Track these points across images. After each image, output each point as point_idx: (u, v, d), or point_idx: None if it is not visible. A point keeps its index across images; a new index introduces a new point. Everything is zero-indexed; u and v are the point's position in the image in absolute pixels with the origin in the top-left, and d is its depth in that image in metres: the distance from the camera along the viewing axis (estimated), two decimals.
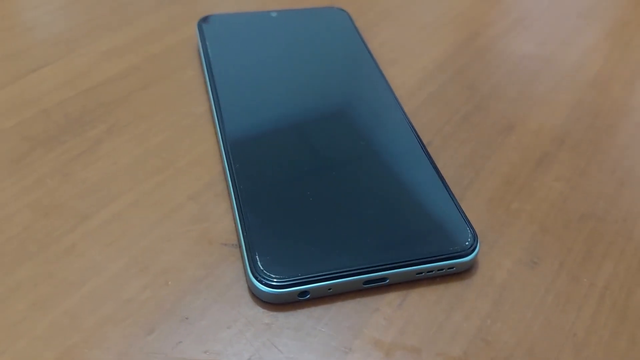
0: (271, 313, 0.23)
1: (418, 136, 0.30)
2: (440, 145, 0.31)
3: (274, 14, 0.38)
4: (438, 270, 0.25)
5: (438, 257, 0.24)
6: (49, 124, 0.31)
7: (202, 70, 0.34)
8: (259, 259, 0.24)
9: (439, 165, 0.29)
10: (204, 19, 0.37)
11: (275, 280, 0.23)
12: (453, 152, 0.31)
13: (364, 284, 0.24)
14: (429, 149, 0.30)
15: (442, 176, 0.28)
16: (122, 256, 0.25)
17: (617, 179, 0.30)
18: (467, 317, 0.24)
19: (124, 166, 0.29)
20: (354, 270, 0.24)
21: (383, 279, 0.24)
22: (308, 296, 0.23)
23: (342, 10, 0.39)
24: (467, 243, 0.25)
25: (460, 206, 0.26)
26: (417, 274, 0.24)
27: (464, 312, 0.24)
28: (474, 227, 0.26)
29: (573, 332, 0.24)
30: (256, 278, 0.23)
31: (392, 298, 0.24)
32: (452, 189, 0.27)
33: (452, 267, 0.25)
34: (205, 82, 0.34)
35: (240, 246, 0.25)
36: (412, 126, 0.30)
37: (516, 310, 0.24)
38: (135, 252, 0.25)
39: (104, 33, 0.37)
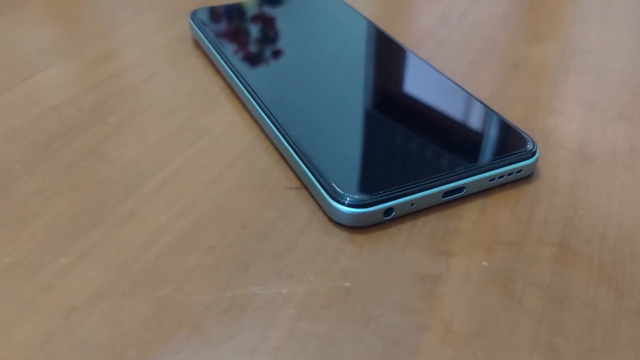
0: (361, 235, 0.22)
1: (446, 75, 0.30)
2: (461, 83, 0.32)
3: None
4: (508, 174, 0.25)
5: (507, 161, 0.24)
6: (63, 118, 0.29)
7: (207, 56, 0.34)
8: (337, 185, 0.23)
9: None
10: (195, 13, 0.36)
11: (359, 200, 0.22)
12: (474, 90, 0.31)
13: (443, 196, 0.24)
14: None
15: (482, 101, 0.28)
16: (188, 213, 0.23)
17: (630, 87, 0.32)
18: (549, 211, 0.24)
19: (158, 141, 0.27)
20: (434, 181, 0.23)
21: (460, 188, 0.24)
22: (393, 214, 0.23)
23: None
24: (528, 146, 0.25)
25: (510, 121, 0.27)
26: (490, 180, 0.24)
27: (544, 208, 0.24)
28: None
29: None
30: (339, 202, 0.22)
31: (472, 206, 0.24)
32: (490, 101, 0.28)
33: (520, 170, 0.25)
34: (214, 65, 0.33)
35: (307, 187, 0.24)
36: (437, 69, 0.31)
37: (591, 197, 0.24)
38: (201, 207, 0.24)
39: (91, 41, 0.36)
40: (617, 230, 0.23)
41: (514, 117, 0.29)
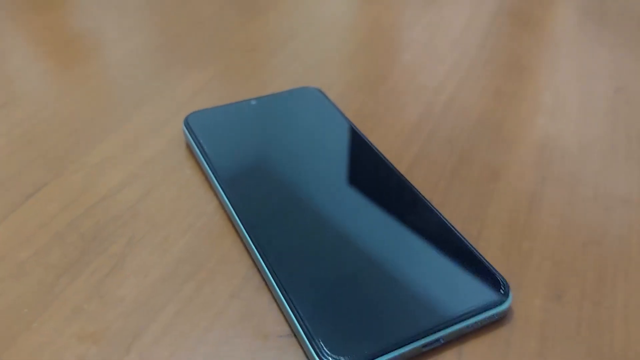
0: None
1: (423, 197, 0.32)
2: (440, 202, 0.34)
3: (253, 102, 0.39)
4: (483, 321, 0.27)
5: (480, 309, 0.26)
6: (66, 247, 0.31)
7: (200, 167, 0.36)
8: (324, 345, 0.25)
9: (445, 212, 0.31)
10: (189, 117, 0.38)
11: None
12: (453, 208, 0.33)
13: (422, 347, 0.26)
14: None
15: (459, 232, 0.30)
16: None
17: (601, 204, 0.34)
18: (521, 357, 0.26)
19: (157, 278, 0.29)
20: (413, 337, 0.25)
21: (438, 340, 0.26)
22: None
23: (316, 88, 0.41)
24: (502, 290, 0.27)
25: (484, 257, 0.29)
26: (466, 327, 0.26)
27: (515, 355, 0.26)
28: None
29: (613, 353, 0.26)
30: None
31: (450, 355, 0.26)
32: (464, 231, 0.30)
33: (494, 316, 0.27)
34: (207, 179, 0.35)
35: (296, 335, 0.26)
36: (415, 188, 0.33)
37: (559, 342, 0.26)
38: None
39: (88, 145, 0.37)
40: None
41: (490, 246, 0.31)
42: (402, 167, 0.36)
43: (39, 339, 0.26)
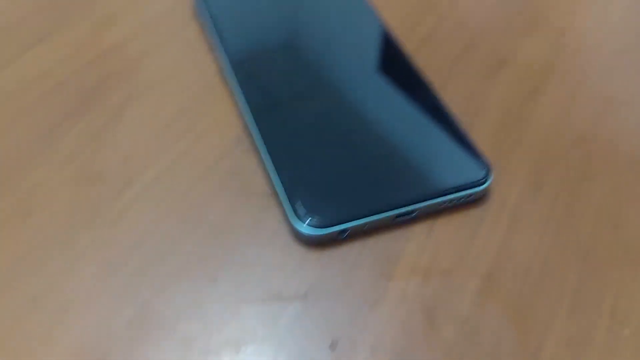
0: (317, 252, 0.26)
1: (424, 76, 0.32)
2: (441, 84, 0.34)
3: None
4: (458, 200, 0.27)
5: (457, 188, 0.27)
6: (68, 95, 0.32)
7: (204, 31, 0.36)
8: (299, 206, 0.26)
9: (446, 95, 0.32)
10: None
11: (316, 223, 0.25)
12: (454, 89, 0.33)
13: (395, 218, 0.27)
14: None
15: (451, 112, 0.30)
16: (172, 214, 0.27)
17: (605, 100, 0.33)
18: (488, 238, 0.27)
19: (152, 131, 0.30)
20: (385, 206, 0.26)
21: (411, 212, 0.27)
22: (347, 234, 0.26)
23: None
24: (482, 172, 0.28)
25: (472, 138, 0.29)
26: (440, 204, 0.27)
27: (484, 235, 0.27)
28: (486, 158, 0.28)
29: (578, 241, 0.27)
30: (299, 223, 0.26)
31: (421, 229, 0.27)
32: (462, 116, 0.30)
33: (471, 196, 0.28)
34: (211, 42, 0.35)
35: (277, 195, 0.27)
36: (418, 66, 0.33)
37: (529, 228, 0.27)
38: (184, 210, 0.27)
39: (90, 6, 0.37)
40: (541, 266, 0.26)
41: (482, 130, 0.31)
42: (410, 45, 0.36)
43: (34, 180, 0.28)
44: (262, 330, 0.24)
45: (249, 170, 0.29)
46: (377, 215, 0.26)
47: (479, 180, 0.28)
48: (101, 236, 0.26)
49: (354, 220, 0.26)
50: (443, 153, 0.28)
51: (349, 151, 0.28)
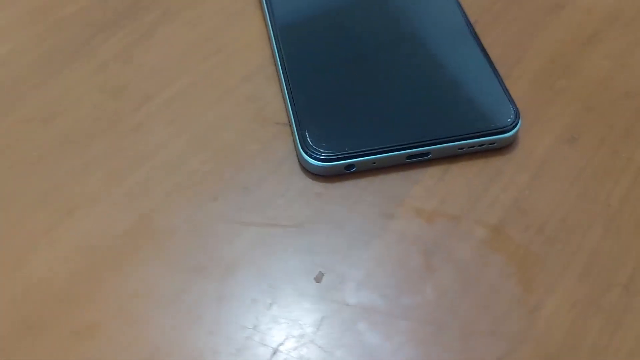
0: (321, 184, 0.25)
1: (464, 14, 0.30)
2: (488, 23, 0.31)
3: None
4: (479, 145, 0.26)
5: (479, 133, 0.26)
6: (107, 10, 0.32)
7: None
8: (309, 136, 0.25)
9: (485, 44, 0.29)
10: None
11: (323, 154, 0.25)
12: (500, 31, 0.31)
13: (407, 159, 0.26)
14: (475, 28, 0.30)
15: (487, 54, 0.28)
16: (184, 132, 0.27)
17: None
18: (505, 188, 0.25)
19: (180, 49, 0.30)
20: (397, 145, 0.25)
21: (425, 153, 0.26)
22: (354, 169, 0.25)
23: None
24: (509, 119, 0.26)
25: (504, 84, 0.27)
26: (458, 149, 0.26)
27: (502, 184, 0.25)
28: (517, 105, 0.26)
29: (607, 203, 0.25)
30: (306, 153, 0.25)
31: (434, 171, 0.26)
32: (498, 68, 0.28)
33: (494, 143, 0.26)
34: None
35: (290, 125, 0.27)
36: (459, 4, 0.30)
37: (553, 182, 0.25)
38: (197, 129, 0.27)
39: None
40: (558, 223, 0.24)
41: (522, 76, 0.29)
42: None
43: (63, 85, 0.29)
44: (252, 254, 0.23)
45: (268, 97, 0.28)
46: (386, 153, 0.25)
47: (503, 128, 0.26)
48: (113, 145, 0.26)
49: (361, 156, 0.25)
50: (468, 96, 0.27)
51: (370, 88, 0.27)
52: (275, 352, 0.21)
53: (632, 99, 0.28)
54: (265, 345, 0.21)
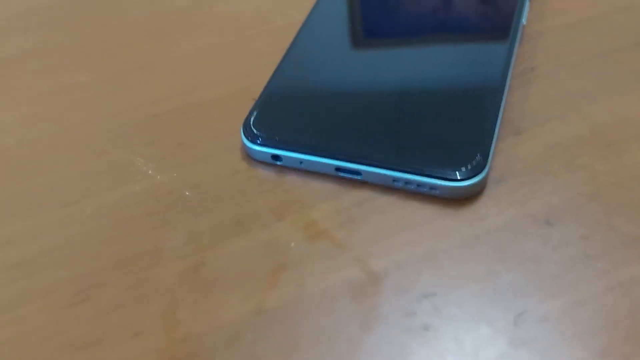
0: (248, 166, 0.24)
1: (510, 55, 0.26)
2: (547, 72, 0.26)
3: None
4: (418, 185, 0.22)
5: (417, 171, 0.22)
6: None
7: None
8: (254, 117, 0.25)
9: (530, 91, 0.25)
10: None
11: (254, 137, 0.24)
12: (557, 84, 0.26)
13: (336, 171, 0.23)
14: (530, 73, 0.26)
15: (501, 98, 0.24)
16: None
17: None
18: (415, 244, 0.21)
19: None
20: (327, 153, 0.23)
21: (356, 172, 0.23)
22: (281, 162, 0.24)
23: None
24: (462, 170, 0.22)
25: (493, 133, 0.23)
26: (393, 180, 0.22)
27: (416, 239, 0.21)
28: (506, 163, 0.22)
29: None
30: (244, 132, 0.24)
31: (359, 195, 0.23)
32: (520, 119, 0.24)
33: (435, 189, 0.22)
34: None
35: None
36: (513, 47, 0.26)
37: (470, 263, 0.21)
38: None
39: None
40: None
41: (540, 137, 0.24)
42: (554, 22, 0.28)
43: None
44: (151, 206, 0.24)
45: (261, 77, 0.27)
46: (313, 156, 0.23)
47: (448, 175, 0.22)
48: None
49: (288, 150, 0.23)
50: (436, 130, 0.23)
51: (348, 98, 0.25)
52: None
53: None
54: None
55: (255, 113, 0.25)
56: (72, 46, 0.31)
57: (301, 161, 0.23)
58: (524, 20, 0.28)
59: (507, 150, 0.24)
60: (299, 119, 0.24)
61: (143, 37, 0.31)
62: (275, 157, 0.24)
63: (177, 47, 0.30)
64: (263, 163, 0.24)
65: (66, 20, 0.32)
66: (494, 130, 0.23)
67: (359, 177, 0.23)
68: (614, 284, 0.20)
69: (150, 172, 0.25)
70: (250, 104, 0.26)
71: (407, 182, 0.22)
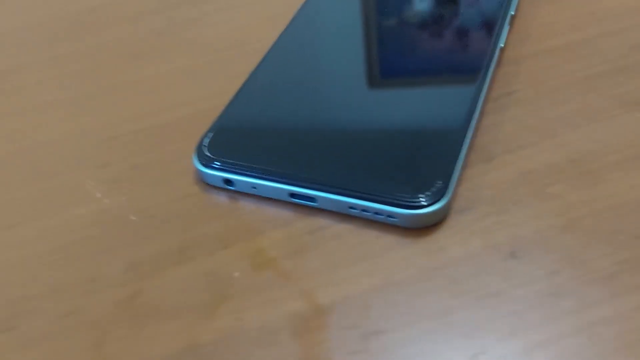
0: (200, 190, 0.23)
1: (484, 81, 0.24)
2: (525, 97, 0.25)
3: None
4: (376, 213, 0.21)
5: (374, 198, 0.20)
6: None
7: None
8: (209, 138, 0.23)
9: (506, 116, 0.24)
10: None
11: (207, 160, 0.23)
12: (534, 109, 0.24)
13: (290, 196, 0.22)
14: (507, 98, 0.24)
15: (471, 122, 0.22)
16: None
17: None
18: (369, 273, 0.20)
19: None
20: (280, 178, 0.22)
21: (311, 198, 0.21)
22: (234, 187, 0.23)
23: None
24: (419, 197, 0.20)
25: (458, 158, 0.21)
26: (349, 207, 0.21)
27: (365, 268, 0.20)
28: (472, 191, 0.21)
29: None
30: (197, 153, 0.23)
31: (311, 222, 0.21)
32: (493, 146, 0.22)
33: (393, 217, 0.20)
34: None
35: None
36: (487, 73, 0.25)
37: (427, 297, 0.19)
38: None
39: None
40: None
41: (513, 165, 0.22)
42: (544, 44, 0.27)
43: None
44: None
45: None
46: (265, 181, 0.22)
47: (405, 202, 0.20)
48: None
49: (240, 174, 0.22)
50: (394, 156, 0.22)
51: (305, 124, 0.24)
52: None
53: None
54: None
55: (210, 135, 0.23)
56: (43, 68, 0.30)
57: (254, 186, 0.22)
58: (501, 44, 0.26)
59: (475, 178, 0.22)
60: (254, 143, 0.23)
61: (116, 59, 0.30)
62: (228, 182, 0.22)
63: (149, 70, 0.29)
64: (216, 188, 0.23)
65: (43, 43, 0.31)
66: (458, 156, 0.21)
67: (314, 204, 0.21)
68: (582, 325, 0.18)
69: (98, 195, 0.23)
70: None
71: (364, 209, 0.21)
